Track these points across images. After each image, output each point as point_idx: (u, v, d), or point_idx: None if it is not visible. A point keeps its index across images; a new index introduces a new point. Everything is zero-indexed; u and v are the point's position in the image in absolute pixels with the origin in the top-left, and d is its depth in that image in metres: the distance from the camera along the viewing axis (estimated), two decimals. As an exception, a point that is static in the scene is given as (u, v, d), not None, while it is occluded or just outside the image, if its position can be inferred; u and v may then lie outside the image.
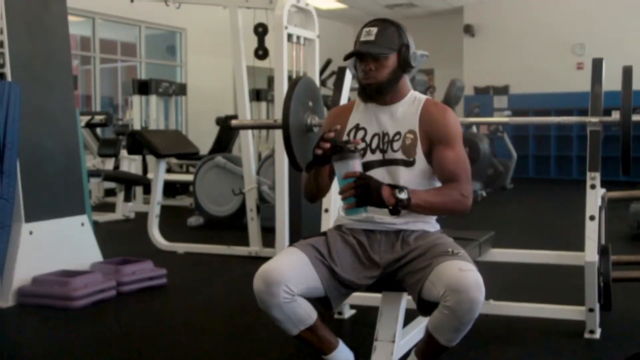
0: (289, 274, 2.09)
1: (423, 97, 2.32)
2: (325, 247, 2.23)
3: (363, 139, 2.30)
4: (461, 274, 1.98)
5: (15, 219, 3.69)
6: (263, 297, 2.09)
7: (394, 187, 2.09)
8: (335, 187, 2.30)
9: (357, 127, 2.33)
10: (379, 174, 2.24)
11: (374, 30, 2.23)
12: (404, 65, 2.27)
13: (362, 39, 2.24)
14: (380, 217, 2.25)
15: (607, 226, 3.46)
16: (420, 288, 2.09)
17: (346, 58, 2.30)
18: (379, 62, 2.23)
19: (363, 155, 2.26)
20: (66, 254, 3.93)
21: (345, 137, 2.33)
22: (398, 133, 2.26)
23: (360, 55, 2.25)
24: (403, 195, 2.06)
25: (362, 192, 2.04)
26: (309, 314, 2.18)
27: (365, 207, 2.09)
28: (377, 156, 2.28)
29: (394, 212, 2.09)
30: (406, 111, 2.28)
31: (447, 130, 2.24)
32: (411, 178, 2.22)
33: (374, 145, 2.29)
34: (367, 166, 2.26)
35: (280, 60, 4.31)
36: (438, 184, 2.28)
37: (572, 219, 4.29)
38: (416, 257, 2.16)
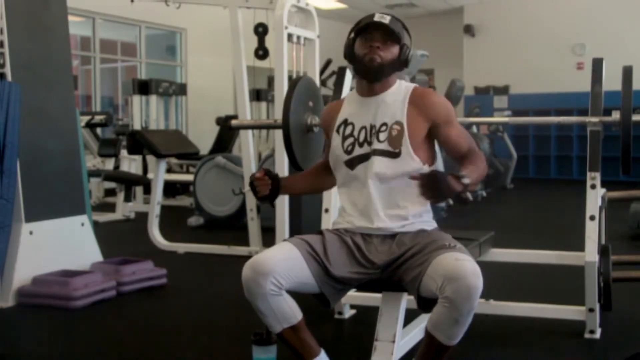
0: (279, 267, 2.10)
1: (410, 86, 2.33)
2: (321, 244, 2.23)
3: (351, 134, 2.31)
4: (457, 263, 1.98)
5: (15, 219, 3.69)
6: (250, 286, 2.10)
7: (456, 175, 2.04)
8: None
9: (346, 123, 2.34)
10: (365, 166, 2.26)
11: (388, 17, 2.29)
12: (402, 61, 2.29)
13: (376, 19, 2.27)
14: (377, 222, 2.25)
15: (607, 226, 3.46)
16: (419, 284, 2.09)
17: (359, 30, 2.29)
18: (385, 44, 2.25)
19: (352, 150, 2.29)
20: (66, 254, 3.93)
21: (334, 134, 2.35)
22: (384, 124, 2.26)
23: (372, 28, 2.26)
24: (467, 180, 2.04)
25: (436, 190, 1.99)
26: (294, 312, 2.17)
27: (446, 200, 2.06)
28: (365, 149, 2.28)
29: (463, 200, 2.10)
30: (393, 101, 2.28)
31: (447, 111, 2.28)
32: (395, 169, 2.22)
33: (361, 138, 2.29)
34: (356, 160, 2.28)
35: (281, 60, 4.31)
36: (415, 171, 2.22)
37: (572, 219, 4.29)
38: (414, 254, 2.16)
